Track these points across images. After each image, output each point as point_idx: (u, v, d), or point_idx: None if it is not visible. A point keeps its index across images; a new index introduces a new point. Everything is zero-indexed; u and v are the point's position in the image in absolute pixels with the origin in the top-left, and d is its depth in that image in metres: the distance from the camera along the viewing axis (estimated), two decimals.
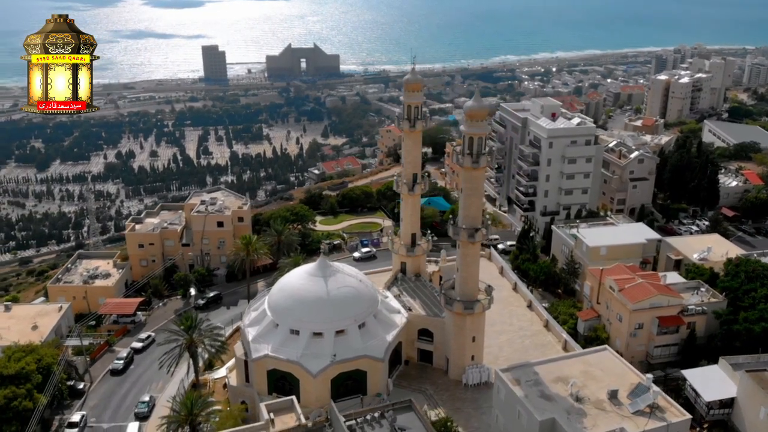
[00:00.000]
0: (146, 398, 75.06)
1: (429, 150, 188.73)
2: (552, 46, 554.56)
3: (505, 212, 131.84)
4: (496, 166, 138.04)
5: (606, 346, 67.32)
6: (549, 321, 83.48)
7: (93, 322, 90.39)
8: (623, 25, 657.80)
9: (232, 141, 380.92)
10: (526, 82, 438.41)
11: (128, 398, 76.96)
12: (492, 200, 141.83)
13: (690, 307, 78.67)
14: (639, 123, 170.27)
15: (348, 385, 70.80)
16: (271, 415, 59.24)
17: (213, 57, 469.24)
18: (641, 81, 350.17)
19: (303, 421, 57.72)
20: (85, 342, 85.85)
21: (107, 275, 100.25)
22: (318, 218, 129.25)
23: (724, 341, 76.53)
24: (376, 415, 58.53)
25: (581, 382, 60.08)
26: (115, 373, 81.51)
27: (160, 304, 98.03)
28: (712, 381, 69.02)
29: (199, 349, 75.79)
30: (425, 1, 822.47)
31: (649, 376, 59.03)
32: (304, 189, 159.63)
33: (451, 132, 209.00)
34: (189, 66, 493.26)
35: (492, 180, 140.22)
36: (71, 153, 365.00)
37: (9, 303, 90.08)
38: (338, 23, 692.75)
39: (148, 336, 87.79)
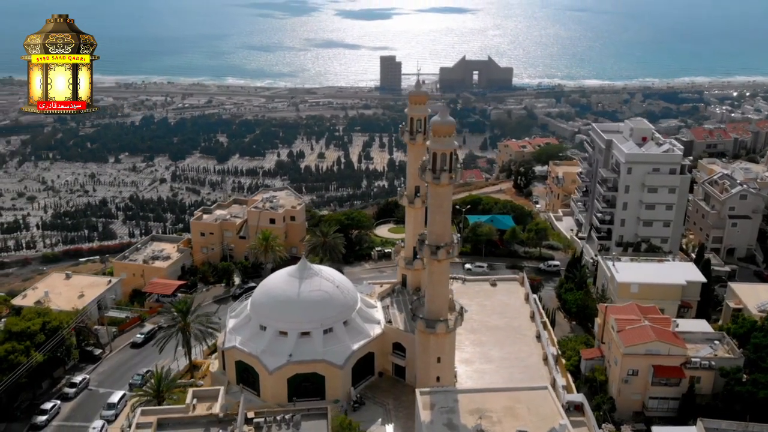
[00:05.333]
0: (143, 371, 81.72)
1: (545, 168, 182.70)
2: (751, 69, 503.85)
3: (582, 239, 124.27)
4: (584, 189, 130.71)
5: (547, 385, 62.51)
6: (548, 356, 78.48)
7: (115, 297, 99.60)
8: None
9: (393, 148, 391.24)
10: (712, 106, 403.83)
11: (134, 369, 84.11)
12: (580, 225, 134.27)
13: (694, 359, 70.14)
14: None
15: (306, 387, 72.27)
16: (195, 401, 62.71)
17: (390, 67, 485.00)
18: None
19: (216, 411, 60.39)
20: (123, 315, 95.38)
21: (167, 258, 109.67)
22: (390, 226, 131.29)
23: (725, 402, 67.51)
24: (287, 416, 59.55)
25: (497, 418, 56.80)
26: (134, 345, 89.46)
27: (204, 289, 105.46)
28: None
29: (191, 334, 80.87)
30: (617, 16, 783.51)
31: (563, 422, 54.27)
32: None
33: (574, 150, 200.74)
34: (368, 75, 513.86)
35: (579, 203, 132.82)
36: (250, 149, 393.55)
37: (69, 272, 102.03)
38: (518, 37, 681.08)
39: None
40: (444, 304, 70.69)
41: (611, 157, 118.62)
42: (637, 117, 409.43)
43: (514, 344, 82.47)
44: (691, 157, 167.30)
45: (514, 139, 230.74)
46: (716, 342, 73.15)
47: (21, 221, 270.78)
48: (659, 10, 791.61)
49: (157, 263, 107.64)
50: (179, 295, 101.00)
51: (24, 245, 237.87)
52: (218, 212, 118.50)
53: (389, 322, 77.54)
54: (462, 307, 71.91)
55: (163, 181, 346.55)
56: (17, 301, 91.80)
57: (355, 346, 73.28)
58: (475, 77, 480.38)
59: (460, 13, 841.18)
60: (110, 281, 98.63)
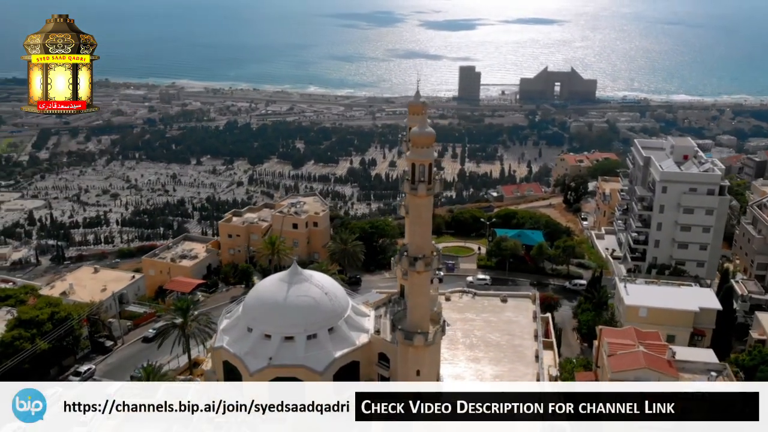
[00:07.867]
0: (145, 364, 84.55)
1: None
2: None
3: (617, 258, 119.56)
4: (624, 207, 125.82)
5: None
6: (540, 377, 76.08)
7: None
8: None
9: (466, 159, 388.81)
10: None
11: (141, 362, 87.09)
12: (621, 244, 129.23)
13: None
14: None
15: None
16: None
17: (468, 77, 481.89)
18: None
19: None
20: (142, 310, 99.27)
21: (195, 257, 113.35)
22: None
23: None
24: None
25: None
26: (146, 340, 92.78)
27: (224, 289, 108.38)
28: None
29: (190, 332, 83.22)
30: (711, 30, 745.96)
31: None
32: (446, 208, 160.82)
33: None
34: (447, 85, 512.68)
35: (619, 222, 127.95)
36: (325, 155, 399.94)
37: (98, 266, 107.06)
38: (605, 50, 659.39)
39: None
40: (424, 316, 69.80)
41: (648, 175, 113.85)
42: (724, 135, 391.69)
43: (511, 363, 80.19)
44: (762, 178, 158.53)
45: (572, 153, 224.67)
46: (713, 373, 68.77)
47: (102, 217, 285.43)
48: (756, 24, 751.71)
49: (184, 262, 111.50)
50: (198, 294, 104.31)
51: (102, 240, 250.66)
52: (248, 215, 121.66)
53: (377, 332, 77.13)
54: (444, 321, 70.95)
55: (240, 184, 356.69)
56: (44, 291, 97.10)
57: (338, 354, 73.25)
58: (557, 89, 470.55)
59: (546, 25, 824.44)
60: (133, 277, 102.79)
